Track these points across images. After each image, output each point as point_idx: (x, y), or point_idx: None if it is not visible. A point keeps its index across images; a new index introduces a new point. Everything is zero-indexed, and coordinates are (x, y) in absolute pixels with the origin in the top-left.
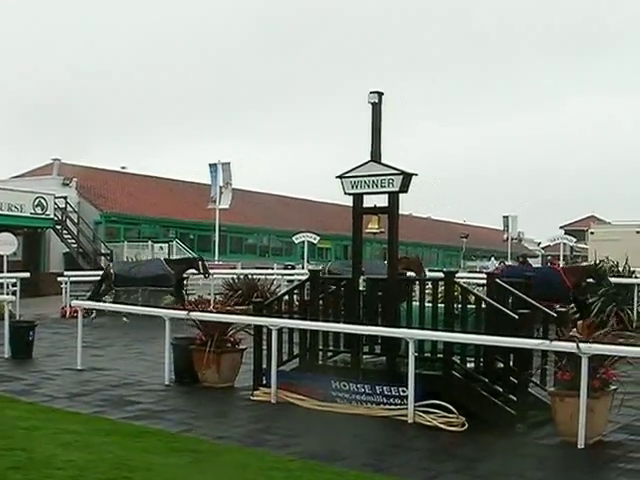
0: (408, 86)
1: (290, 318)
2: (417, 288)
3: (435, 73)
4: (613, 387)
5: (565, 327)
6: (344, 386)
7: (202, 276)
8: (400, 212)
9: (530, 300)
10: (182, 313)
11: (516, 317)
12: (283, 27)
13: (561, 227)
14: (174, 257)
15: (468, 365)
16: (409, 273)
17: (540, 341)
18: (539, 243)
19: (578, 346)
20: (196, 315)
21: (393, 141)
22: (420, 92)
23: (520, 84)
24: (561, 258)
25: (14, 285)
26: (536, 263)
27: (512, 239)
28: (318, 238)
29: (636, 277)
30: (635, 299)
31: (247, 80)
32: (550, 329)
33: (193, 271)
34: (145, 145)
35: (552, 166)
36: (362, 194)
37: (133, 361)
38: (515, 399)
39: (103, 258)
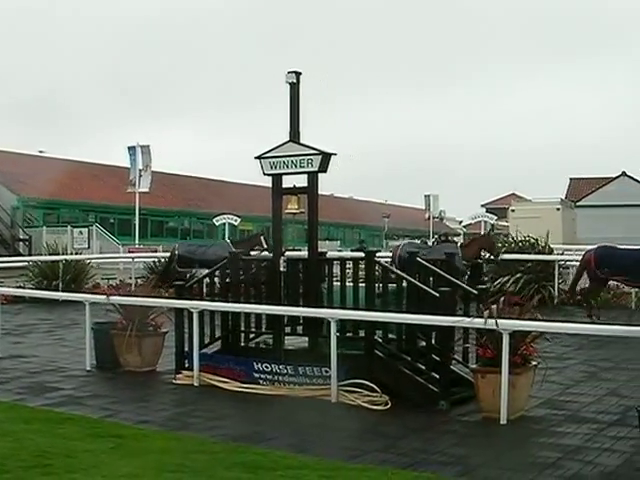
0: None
1: (212, 300)
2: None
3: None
4: (534, 363)
5: (487, 304)
6: (267, 367)
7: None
8: (321, 192)
9: (452, 278)
10: (102, 297)
11: (437, 295)
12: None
13: (482, 205)
14: (238, 238)
15: (390, 344)
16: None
17: (460, 318)
18: (461, 222)
19: (497, 322)
20: (116, 299)
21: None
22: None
23: (447, 65)
24: None
25: None
26: (459, 241)
27: (434, 218)
28: (239, 220)
29: (557, 254)
30: (556, 276)
31: (171, 63)
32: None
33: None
34: (64, 129)
35: (474, 145)
36: (281, 174)
37: (54, 347)
38: (437, 377)
39: (22, 244)
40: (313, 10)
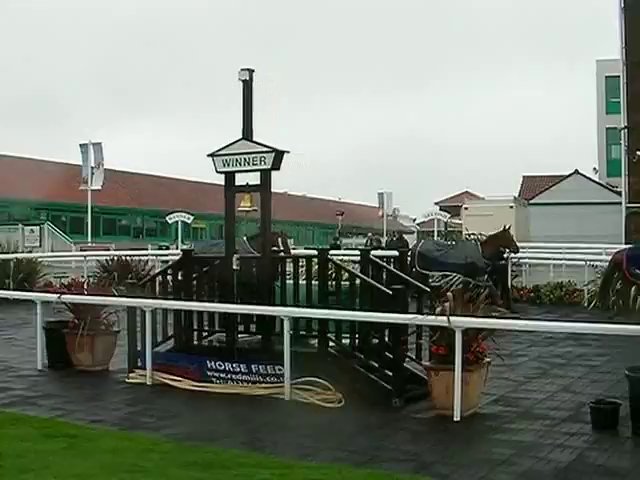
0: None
1: (164, 299)
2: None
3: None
4: (487, 360)
5: (439, 301)
6: (220, 366)
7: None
8: (274, 190)
9: (405, 276)
10: (53, 296)
11: (390, 293)
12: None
13: (436, 203)
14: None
15: (344, 342)
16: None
17: (413, 316)
18: (414, 219)
19: (449, 320)
20: (68, 298)
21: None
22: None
23: (402, 66)
24: (435, 234)
25: None
26: (412, 239)
27: (388, 216)
28: (192, 218)
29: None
30: (509, 273)
31: (128, 62)
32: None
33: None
34: (14, 127)
35: (429, 143)
36: (234, 172)
37: (5, 347)
38: (391, 374)
39: None
40: (270, 9)
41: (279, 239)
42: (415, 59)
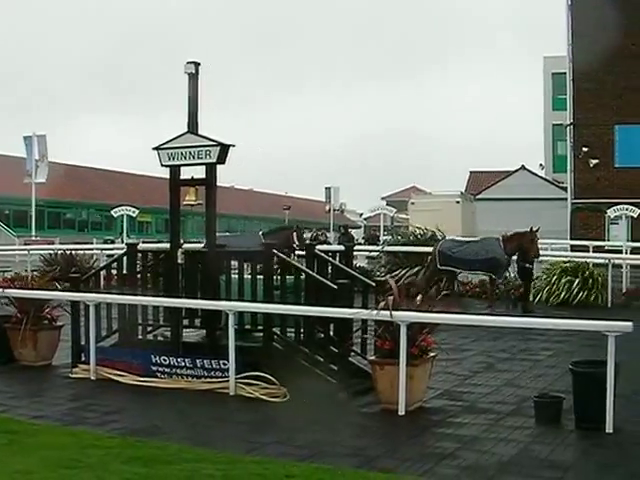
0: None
1: (108, 293)
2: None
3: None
4: (432, 354)
5: (384, 296)
6: (164, 360)
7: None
8: (221, 184)
9: (349, 270)
10: None
11: (335, 287)
12: None
13: (383, 198)
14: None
15: (289, 336)
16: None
17: (358, 310)
18: (361, 214)
19: (391, 314)
20: (10, 292)
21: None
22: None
23: (352, 60)
24: (381, 229)
25: None
26: (358, 234)
27: (334, 210)
28: (137, 211)
29: None
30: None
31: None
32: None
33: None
34: None
35: (377, 139)
36: (179, 166)
37: None
38: (336, 368)
39: None
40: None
41: (294, 234)
42: (364, 55)
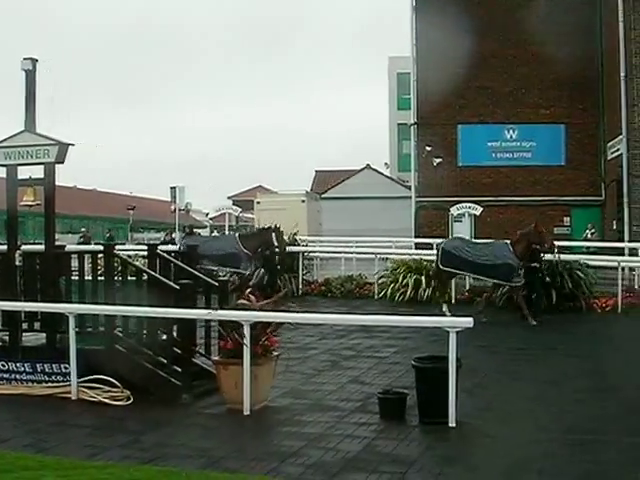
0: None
1: None
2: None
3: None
4: (276, 353)
5: (226, 296)
6: (3, 366)
7: None
8: (62, 183)
9: (192, 270)
10: None
11: (177, 288)
12: None
13: (229, 197)
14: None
15: (132, 338)
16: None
17: (199, 311)
18: (207, 214)
19: (233, 314)
20: None
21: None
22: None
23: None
24: (227, 228)
25: None
26: (205, 233)
27: (180, 210)
28: None
29: (302, 245)
30: (300, 267)
31: None
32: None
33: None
34: None
35: (223, 138)
36: (16, 165)
37: None
38: (179, 370)
39: None
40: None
41: (273, 234)
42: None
